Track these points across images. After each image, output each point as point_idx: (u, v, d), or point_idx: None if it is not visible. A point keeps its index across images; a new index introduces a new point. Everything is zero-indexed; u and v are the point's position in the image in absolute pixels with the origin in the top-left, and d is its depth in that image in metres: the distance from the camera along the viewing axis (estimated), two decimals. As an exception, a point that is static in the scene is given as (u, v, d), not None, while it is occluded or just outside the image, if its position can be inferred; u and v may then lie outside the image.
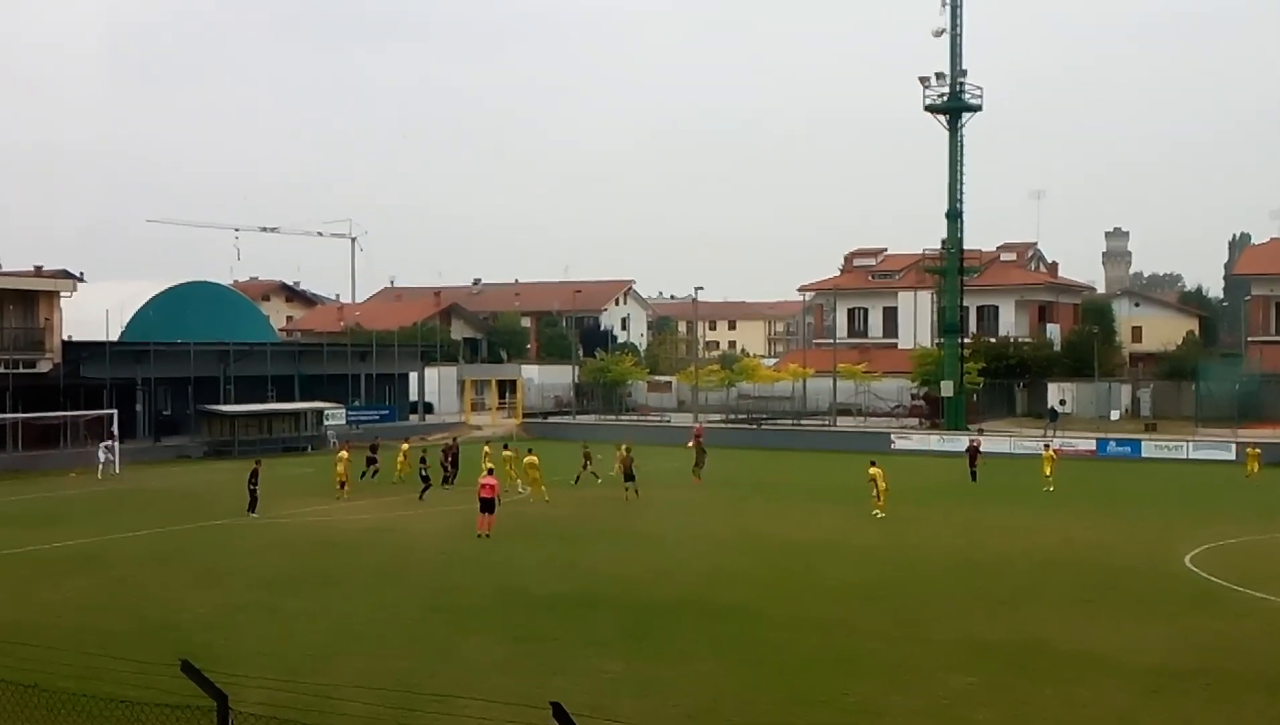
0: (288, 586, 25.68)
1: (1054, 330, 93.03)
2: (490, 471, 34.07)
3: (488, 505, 32.00)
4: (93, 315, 58.58)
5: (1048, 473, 44.34)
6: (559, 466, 44.66)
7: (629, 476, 40.78)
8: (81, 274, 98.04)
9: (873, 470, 36.82)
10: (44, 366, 57.53)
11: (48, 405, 53.35)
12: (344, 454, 42.28)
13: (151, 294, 68.50)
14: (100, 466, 48.50)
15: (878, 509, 36.06)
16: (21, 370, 56.36)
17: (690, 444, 50.63)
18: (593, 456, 45.59)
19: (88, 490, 44.24)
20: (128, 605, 23.86)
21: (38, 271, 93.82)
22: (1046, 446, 50.53)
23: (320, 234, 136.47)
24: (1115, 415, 74.94)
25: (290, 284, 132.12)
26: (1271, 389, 71.71)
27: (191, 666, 9.04)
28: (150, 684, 12.55)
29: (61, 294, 59.66)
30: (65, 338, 58.73)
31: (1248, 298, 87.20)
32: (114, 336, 60.73)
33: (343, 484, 40.88)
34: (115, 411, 52.77)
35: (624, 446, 42.96)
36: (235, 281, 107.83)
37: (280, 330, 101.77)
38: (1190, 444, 59.31)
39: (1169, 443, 60.00)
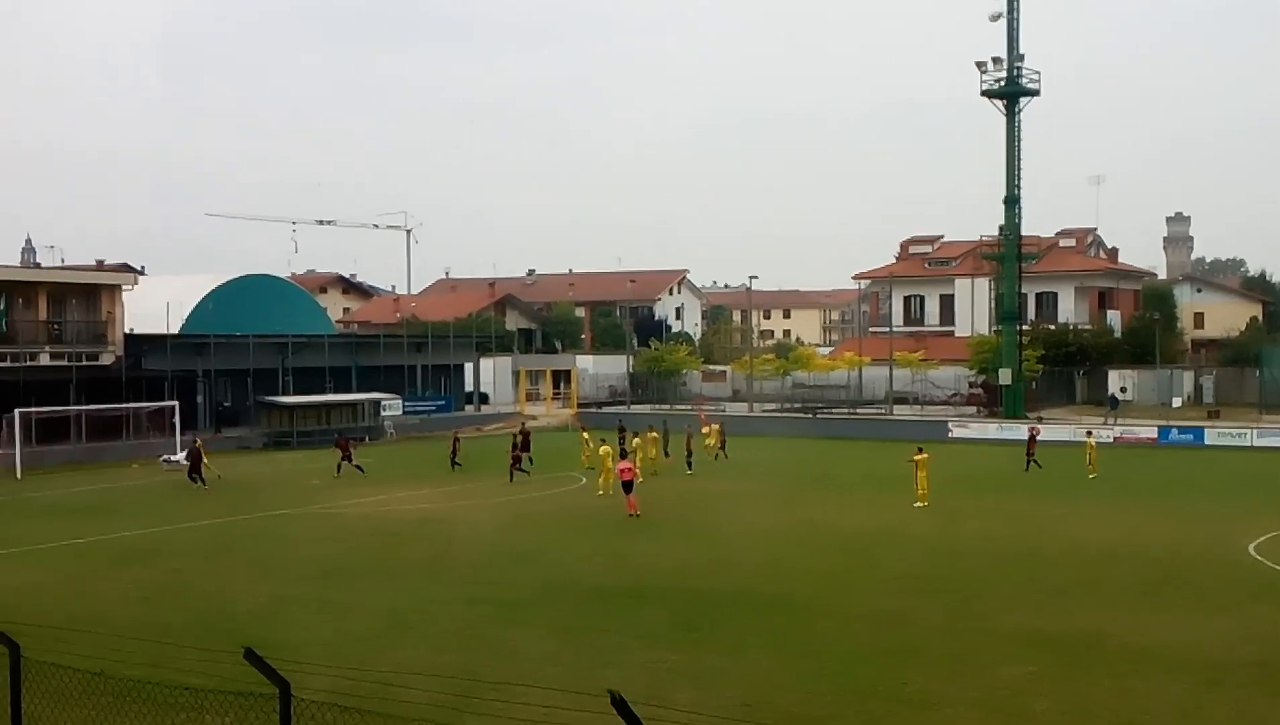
0: (342, 577, 25.93)
1: (1114, 317, 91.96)
2: (624, 454, 36.67)
3: (629, 487, 34.47)
4: (154, 308, 59.46)
5: (1089, 460, 44.25)
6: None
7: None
8: (143, 268, 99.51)
9: (920, 457, 36.56)
10: (106, 359, 58.45)
11: (110, 397, 54.16)
12: (198, 443, 44.43)
13: (211, 287, 69.28)
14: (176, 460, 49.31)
15: (919, 500, 35.78)
16: (84, 363, 57.33)
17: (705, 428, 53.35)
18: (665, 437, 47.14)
19: (148, 481, 44.86)
20: (185, 596, 24.21)
21: (99, 266, 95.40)
22: (1089, 433, 50.28)
23: (376, 226, 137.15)
24: (1177, 402, 73.98)
25: (347, 276, 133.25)
26: (1337, 375, 70.44)
27: (255, 654, 9.17)
28: (212, 672, 12.77)
29: (123, 288, 60.56)
30: (127, 331, 59.62)
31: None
32: (175, 329, 61.59)
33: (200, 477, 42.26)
34: (176, 403, 53.50)
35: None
36: (293, 274, 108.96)
37: (337, 322, 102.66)
38: (1254, 431, 58.37)
39: (1232, 430, 59.11)
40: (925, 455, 36.74)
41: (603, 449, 40.61)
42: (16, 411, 47.53)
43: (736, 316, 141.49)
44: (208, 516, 35.41)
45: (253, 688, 9.75)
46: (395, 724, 10.29)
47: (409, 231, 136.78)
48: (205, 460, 43.10)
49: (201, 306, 67.17)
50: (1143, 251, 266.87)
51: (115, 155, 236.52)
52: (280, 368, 63.85)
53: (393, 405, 67.51)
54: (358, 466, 44.61)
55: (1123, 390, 74.79)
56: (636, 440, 45.74)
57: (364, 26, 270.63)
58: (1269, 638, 19.93)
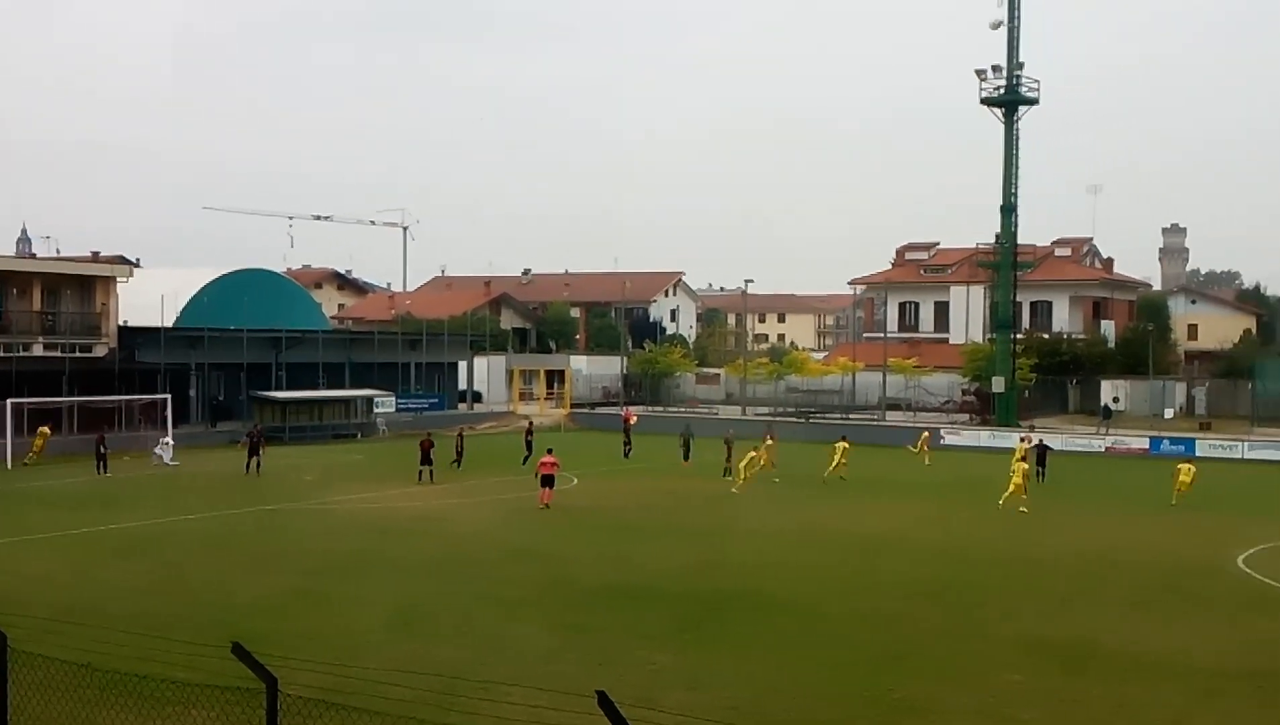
0: (337, 573, 25.84)
1: (1108, 327, 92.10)
2: (550, 451, 37.16)
3: (548, 481, 35.60)
4: (149, 301, 59.29)
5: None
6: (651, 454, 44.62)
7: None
8: (138, 260, 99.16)
9: (1022, 464, 38.17)
10: (100, 351, 58.32)
11: (103, 389, 53.96)
12: (45, 430, 48.17)
13: (206, 280, 69.12)
14: (161, 459, 48.82)
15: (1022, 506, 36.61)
16: (78, 354, 57.18)
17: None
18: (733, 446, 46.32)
19: (142, 473, 44.71)
20: (180, 588, 24.10)
21: (95, 257, 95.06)
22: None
23: (373, 223, 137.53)
24: (1169, 413, 74.06)
25: (342, 272, 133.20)
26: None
27: (242, 649, 9.10)
28: (201, 666, 12.69)
29: (118, 279, 60.41)
30: (121, 323, 59.46)
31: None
32: (169, 322, 61.39)
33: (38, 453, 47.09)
34: (169, 396, 53.32)
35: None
36: (288, 269, 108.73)
37: (332, 318, 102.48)
38: (1245, 444, 58.41)
39: (1224, 442, 59.13)
40: (1026, 464, 38.41)
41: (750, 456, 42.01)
42: (8, 402, 47.37)
43: (731, 320, 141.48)
44: (203, 510, 35.29)
45: (243, 683, 9.67)
46: (378, 720, 10.19)
47: (405, 228, 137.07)
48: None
49: (196, 300, 67.02)
50: (1138, 262, 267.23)
51: (112, 148, 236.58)
52: (274, 363, 63.71)
53: (386, 402, 67.38)
54: (252, 465, 44.73)
55: (1115, 400, 74.87)
56: (752, 453, 43.24)
57: (362, 20, 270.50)
58: (1261, 648, 19.99)
